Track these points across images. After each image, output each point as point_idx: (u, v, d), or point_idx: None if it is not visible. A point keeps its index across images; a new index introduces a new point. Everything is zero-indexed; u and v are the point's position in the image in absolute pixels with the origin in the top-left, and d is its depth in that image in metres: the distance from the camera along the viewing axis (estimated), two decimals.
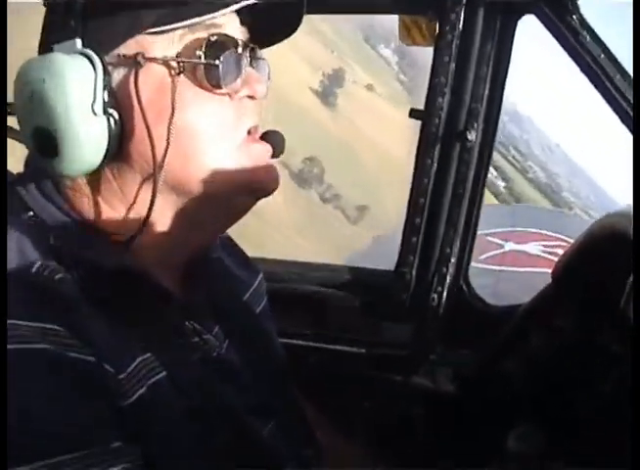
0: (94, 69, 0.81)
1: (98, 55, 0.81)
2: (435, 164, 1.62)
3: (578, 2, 1.43)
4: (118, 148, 0.83)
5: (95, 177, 0.86)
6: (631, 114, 1.43)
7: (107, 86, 0.81)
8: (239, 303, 1.05)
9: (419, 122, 1.63)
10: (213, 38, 0.84)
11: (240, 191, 0.88)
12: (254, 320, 1.06)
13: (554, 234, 4.33)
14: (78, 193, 0.87)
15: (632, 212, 1.14)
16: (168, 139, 0.82)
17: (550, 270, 1.40)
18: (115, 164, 0.85)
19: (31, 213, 0.84)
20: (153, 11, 0.82)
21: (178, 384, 0.82)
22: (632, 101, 1.42)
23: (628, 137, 1.41)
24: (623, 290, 1.12)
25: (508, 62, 1.56)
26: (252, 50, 0.90)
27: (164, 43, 0.83)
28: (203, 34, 0.84)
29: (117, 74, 0.83)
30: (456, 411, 1.65)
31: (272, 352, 1.06)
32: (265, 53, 0.94)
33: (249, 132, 0.89)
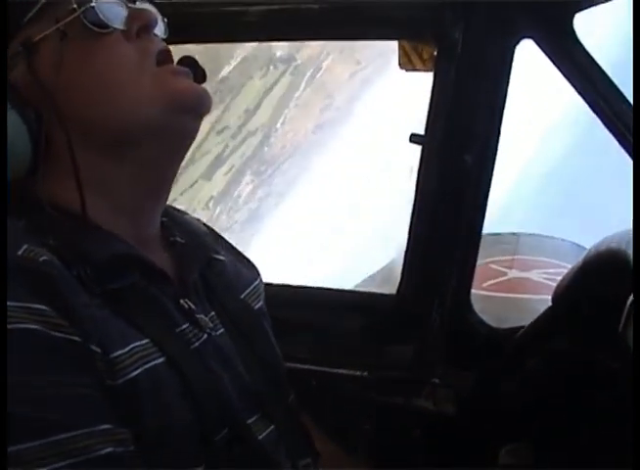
0: None
1: None
2: (435, 189, 1.63)
3: (575, 27, 1.45)
4: (40, 133, 0.85)
5: (56, 170, 0.87)
6: (630, 138, 1.44)
7: (8, 86, 0.84)
8: (236, 297, 1.04)
9: None
10: None
11: (169, 111, 0.87)
12: (252, 316, 1.04)
13: (557, 261, 4.31)
14: (55, 190, 0.87)
15: (630, 233, 1.14)
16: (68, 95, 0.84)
17: None
18: (56, 149, 0.86)
19: (24, 221, 0.84)
20: (17, 5, 0.86)
21: (177, 371, 0.82)
22: (632, 112, 1.42)
23: None
24: (622, 311, 1.12)
25: (507, 86, 1.57)
26: None
27: (41, 23, 0.86)
28: None
29: (17, 73, 0.86)
30: (457, 433, 1.64)
31: (270, 350, 1.04)
32: None
33: (160, 63, 0.89)
